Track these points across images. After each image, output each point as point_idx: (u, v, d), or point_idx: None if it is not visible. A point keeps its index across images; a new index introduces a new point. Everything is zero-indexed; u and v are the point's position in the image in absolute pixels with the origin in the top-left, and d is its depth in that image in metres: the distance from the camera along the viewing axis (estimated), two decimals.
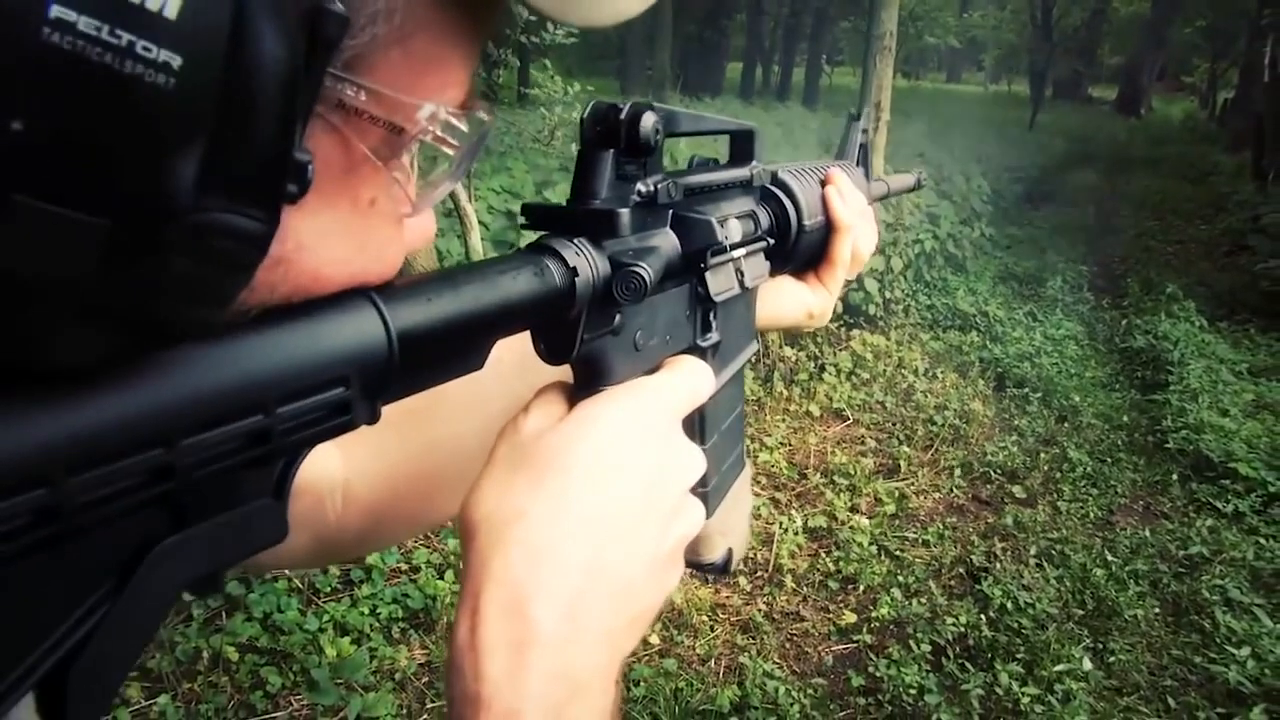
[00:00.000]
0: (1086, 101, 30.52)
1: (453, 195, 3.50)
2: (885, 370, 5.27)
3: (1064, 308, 7.02)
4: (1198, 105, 27.50)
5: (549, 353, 0.51)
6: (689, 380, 0.56)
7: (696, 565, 0.65)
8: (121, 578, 0.32)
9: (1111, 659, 2.99)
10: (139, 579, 0.32)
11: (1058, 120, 20.84)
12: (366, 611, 2.78)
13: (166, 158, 0.25)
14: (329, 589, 2.86)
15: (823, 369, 5.12)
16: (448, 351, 0.42)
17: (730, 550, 0.67)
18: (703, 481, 0.58)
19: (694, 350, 0.62)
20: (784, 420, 4.58)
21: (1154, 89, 28.61)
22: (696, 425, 0.61)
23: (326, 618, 2.72)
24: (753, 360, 5.04)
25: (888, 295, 6.01)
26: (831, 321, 5.60)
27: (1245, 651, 2.97)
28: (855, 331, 5.64)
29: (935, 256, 6.77)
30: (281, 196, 0.29)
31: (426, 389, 0.42)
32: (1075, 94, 30.60)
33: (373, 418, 0.38)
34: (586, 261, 0.48)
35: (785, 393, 4.81)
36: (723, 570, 0.67)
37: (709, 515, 0.61)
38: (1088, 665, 2.90)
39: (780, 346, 5.19)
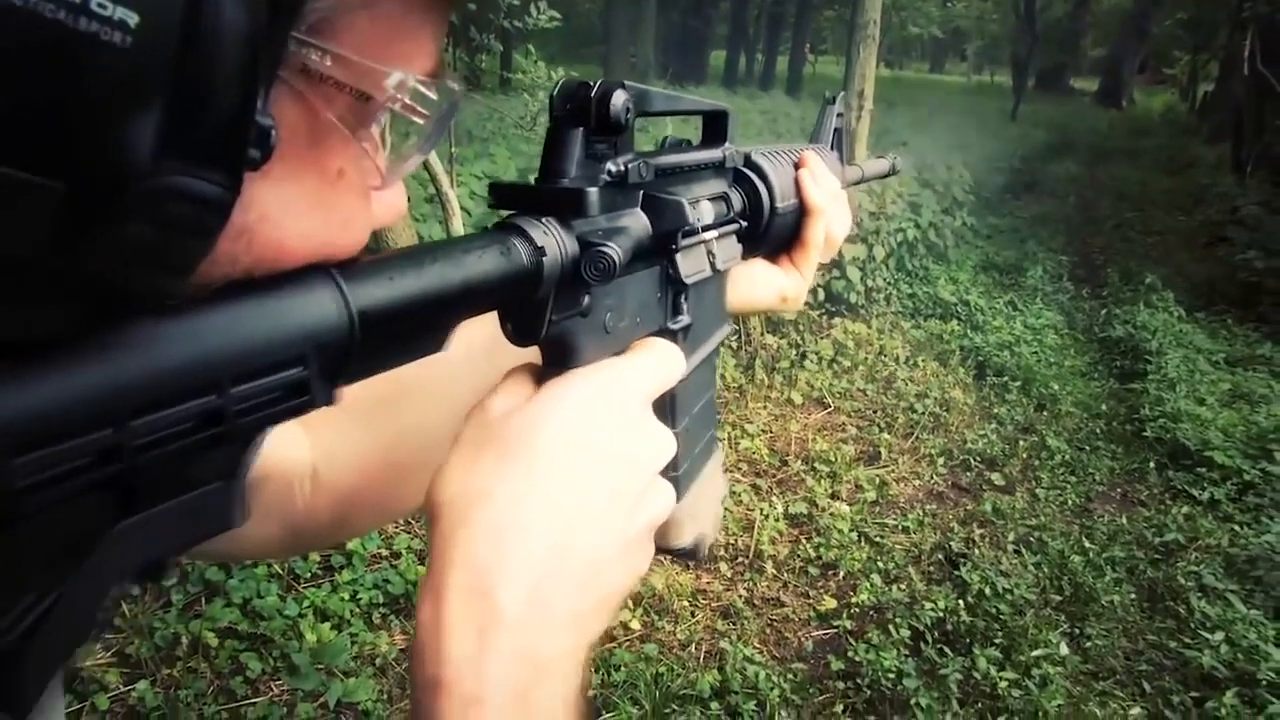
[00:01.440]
0: (1068, 93, 30.66)
1: (435, 180, 3.48)
2: (866, 358, 5.29)
3: (1044, 297, 7.07)
4: (1178, 97, 27.63)
5: (516, 334, 0.50)
6: (659, 362, 0.55)
7: (666, 550, 0.64)
8: (71, 562, 0.31)
9: (1088, 644, 3.02)
10: (92, 563, 0.31)
11: (1039, 111, 20.92)
12: (347, 597, 2.77)
13: (123, 118, 0.24)
14: (309, 574, 2.85)
15: (804, 357, 5.14)
16: (410, 331, 0.41)
17: (700, 535, 0.66)
18: (673, 465, 0.58)
19: (664, 332, 0.61)
20: (765, 407, 4.59)
21: (1135, 81, 28.74)
22: (667, 408, 0.61)
23: (307, 603, 2.71)
24: (734, 347, 5.06)
25: (869, 283, 6.03)
26: (813, 309, 5.62)
27: (1219, 636, 3.01)
28: (837, 319, 5.65)
29: (917, 245, 6.79)
30: (243, 161, 0.29)
31: (388, 370, 0.41)
32: (1057, 85, 30.73)
33: (331, 399, 0.37)
34: (554, 241, 0.47)
35: (767, 380, 4.82)
36: (692, 555, 0.66)
37: (679, 499, 0.61)
38: (1064, 650, 2.93)
39: (762, 334, 5.20)
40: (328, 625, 2.66)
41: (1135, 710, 2.74)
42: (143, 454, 0.30)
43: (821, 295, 5.67)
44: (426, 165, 3.40)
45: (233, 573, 2.72)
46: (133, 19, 0.23)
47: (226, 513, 0.36)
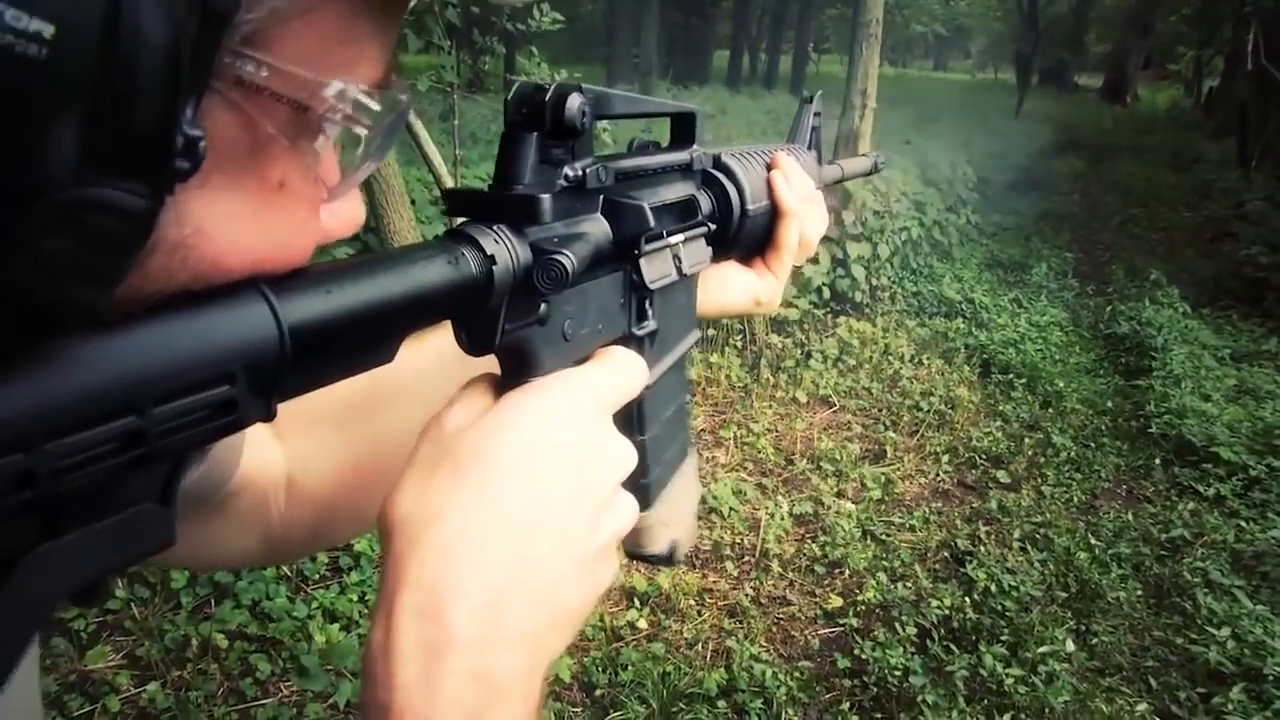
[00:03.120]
0: (1072, 90, 30.60)
1: (439, 182, 3.49)
2: (872, 357, 5.29)
3: (1049, 294, 7.06)
4: (1183, 93, 27.57)
5: (470, 344, 0.49)
6: (620, 371, 0.54)
7: (639, 556, 0.63)
8: None
9: (1094, 640, 3.02)
10: (10, 588, 0.30)
11: (1044, 108, 20.86)
12: (356, 598, 2.79)
13: (41, 130, 0.24)
14: (318, 576, 2.86)
15: (809, 356, 5.14)
16: (349, 345, 0.40)
17: (674, 541, 0.65)
18: (643, 473, 0.57)
19: (628, 339, 0.60)
20: (771, 407, 4.60)
21: (1140, 77, 28.67)
22: (635, 416, 0.60)
23: (315, 605, 2.73)
24: (739, 346, 5.06)
25: (874, 282, 6.03)
26: (818, 308, 5.62)
27: (1225, 632, 3.01)
28: (842, 318, 5.66)
29: (921, 243, 6.79)
30: (167, 172, 0.28)
31: (328, 384, 0.40)
32: (1061, 82, 30.68)
33: (267, 415, 0.37)
34: (506, 249, 0.46)
35: (772, 379, 4.83)
36: (666, 561, 0.65)
37: (649, 507, 0.60)
38: (1071, 647, 2.93)
39: (767, 333, 5.21)
40: (336, 626, 2.68)
41: (1142, 706, 2.75)
42: (60, 477, 0.29)
43: (826, 294, 5.68)
44: (430, 167, 3.41)
45: (242, 575, 2.73)
46: (48, 30, 0.22)
47: (157, 533, 0.35)
